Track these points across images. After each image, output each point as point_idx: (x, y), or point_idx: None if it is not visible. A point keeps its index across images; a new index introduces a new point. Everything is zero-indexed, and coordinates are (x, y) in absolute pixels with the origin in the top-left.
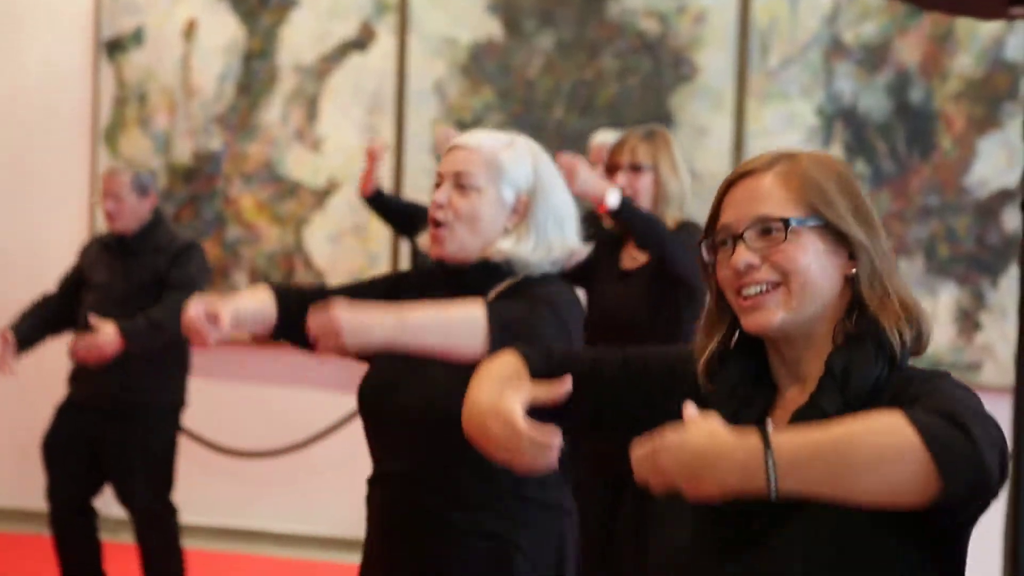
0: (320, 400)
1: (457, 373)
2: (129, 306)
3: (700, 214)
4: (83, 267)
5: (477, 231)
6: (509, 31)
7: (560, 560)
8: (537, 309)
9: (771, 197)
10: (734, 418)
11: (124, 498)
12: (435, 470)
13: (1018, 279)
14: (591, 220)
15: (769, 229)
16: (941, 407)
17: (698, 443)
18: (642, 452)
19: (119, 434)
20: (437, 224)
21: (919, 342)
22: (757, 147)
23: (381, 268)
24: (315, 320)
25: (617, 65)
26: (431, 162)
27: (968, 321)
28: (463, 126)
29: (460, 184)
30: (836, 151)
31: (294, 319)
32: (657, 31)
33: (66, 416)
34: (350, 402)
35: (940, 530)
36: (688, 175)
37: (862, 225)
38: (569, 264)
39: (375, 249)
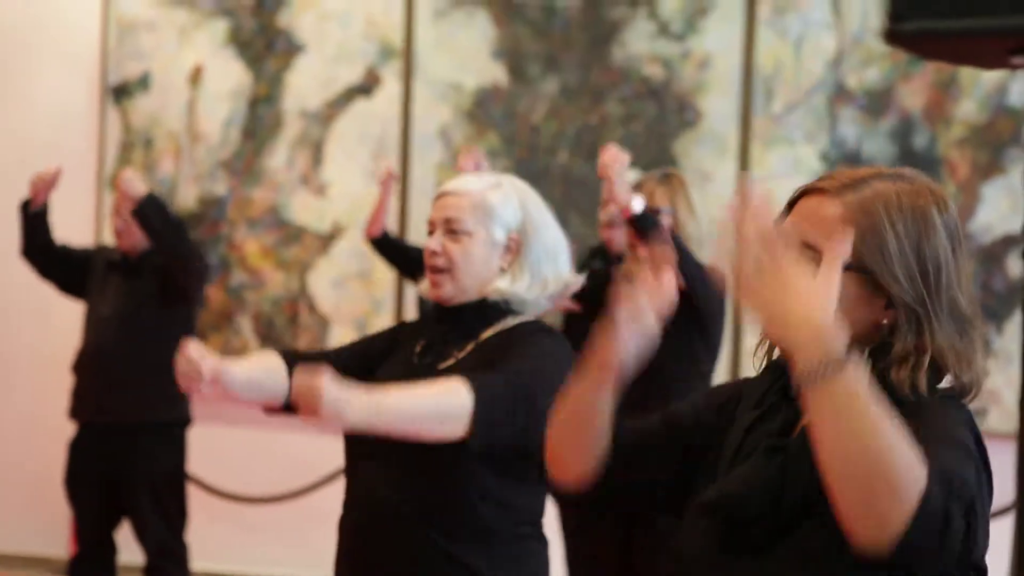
0: (325, 445)
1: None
2: (134, 326)
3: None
4: (91, 261)
5: (473, 274)
6: (514, 76)
7: None
8: (517, 382)
9: (826, 227)
10: (754, 427)
11: (139, 534)
12: (413, 496)
13: (1021, 325)
14: (598, 254)
15: (811, 259)
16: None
17: (804, 287)
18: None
19: (127, 456)
20: (434, 271)
21: (961, 393)
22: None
23: (386, 313)
24: (299, 383)
25: (621, 110)
26: None
27: None
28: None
29: (451, 230)
30: None
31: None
32: (661, 77)
33: (78, 449)
34: None
35: None
36: (705, 217)
37: (915, 279)
38: (564, 296)
39: (379, 294)
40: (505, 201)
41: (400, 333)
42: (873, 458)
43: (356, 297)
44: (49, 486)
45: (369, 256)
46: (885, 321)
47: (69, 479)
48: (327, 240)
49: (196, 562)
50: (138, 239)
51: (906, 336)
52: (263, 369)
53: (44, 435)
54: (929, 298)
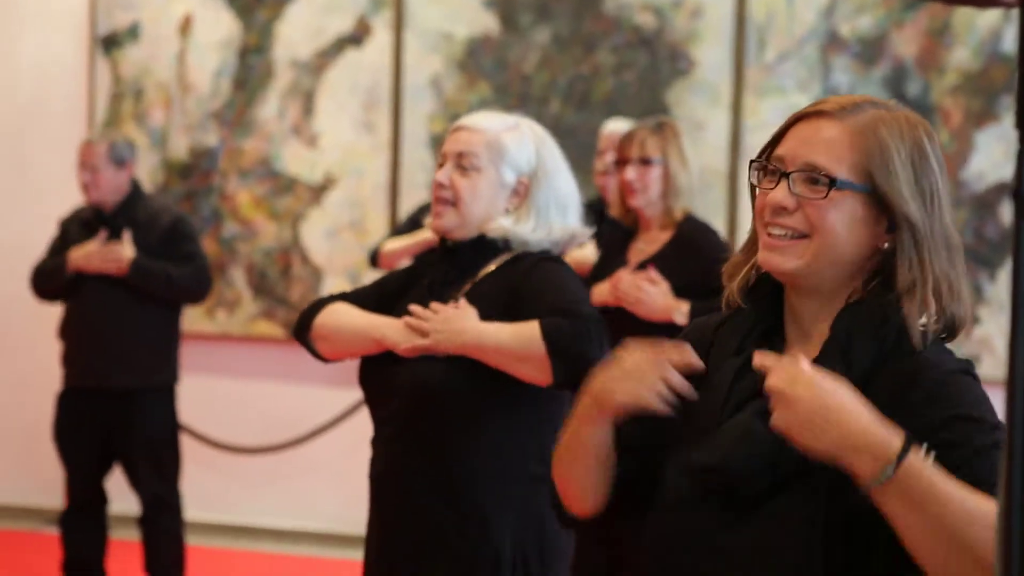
0: (317, 396)
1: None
2: (119, 290)
3: (698, 208)
4: (66, 242)
5: (477, 210)
6: (505, 26)
7: (542, 533)
8: (583, 318)
9: (830, 148)
10: (738, 376)
11: (133, 484)
12: (422, 453)
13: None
14: (594, 210)
15: (815, 179)
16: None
17: (840, 400)
18: (781, 374)
19: (119, 418)
20: (439, 201)
21: (950, 328)
22: (755, 141)
23: None
24: (419, 315)
25: (613, 60)
26: (428, 157)
27: None
28: None
29: (461, 164)
30: None
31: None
32: (654, 25)
33: (68, 402)
34: (347, 398)
35: None
36: (698, 166)
37: (918, 201)
38: (571, 247)
39: (372, 245)
40: (520, 144)
41: (413, 271)
42: (958, 539)
43: (348, 248)
44: (42, 437)
45: (361, 206)
46: (885, 245)
47: (59, 433)
48: (319, 191)
49: (189, 512)
50: (108, 192)
51: (909, 260)
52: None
53: (36, 387)
54: (929, 218)
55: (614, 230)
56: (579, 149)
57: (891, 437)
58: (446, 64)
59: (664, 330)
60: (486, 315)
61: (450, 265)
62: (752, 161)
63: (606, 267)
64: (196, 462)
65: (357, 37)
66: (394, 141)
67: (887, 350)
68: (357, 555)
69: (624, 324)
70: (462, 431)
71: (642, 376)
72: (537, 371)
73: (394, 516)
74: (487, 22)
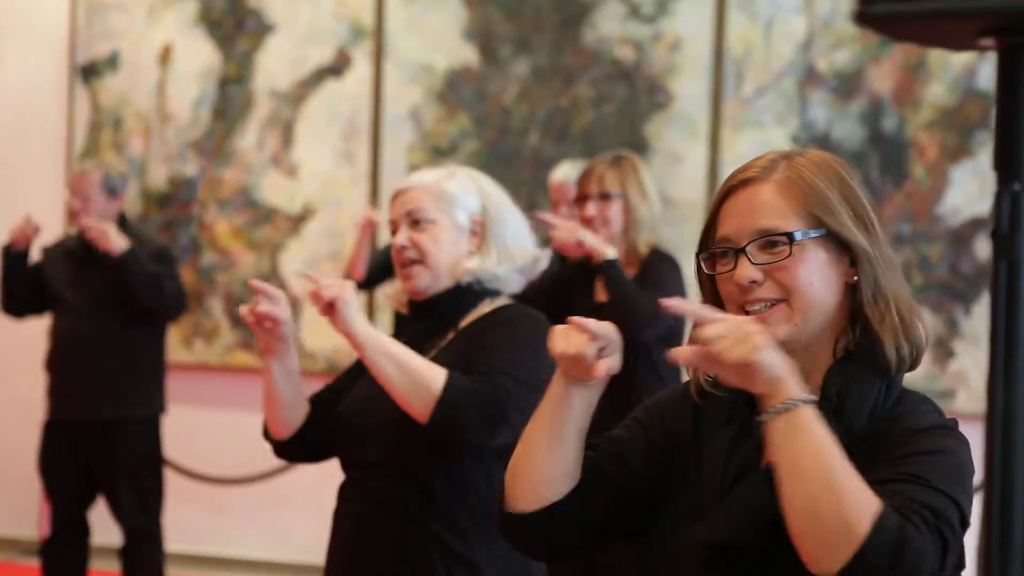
0: None
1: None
2: (103, 320)
3: (674, 241)
4: (46, 269)
5: (444, 259)
6: (485, 58)
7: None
8: (500, 381)
9: (772, 208)
10: (733, 447)
11: (116, 514)
12: (406, 461)
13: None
14: (556, 256)
15: (773, 243)
16: (927, 501)
17: (767, 359)
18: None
19: (103, 448)
20: (405, 264)
21: (914, 357)
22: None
23: (357, 295)
24: (321, 285)
25: (592, 92)
26: None
27: (942, 349)
28: (439, 152)
29: (415, 221)
30: None
31: (314, 433)
32: (632, 59)
33: (53, 432)
34: None
35: None
36: (657, 199)
37: (862, 230)
38: (535, 272)
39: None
40: (462, 187)
41: (394, 333)
42: (826, 493)
43: (327, 277)
44: (19, 468)
45: (340, 236)
46: (855, 278)
47: (44, 461)
48: (298, 221)
49: (168, 543)
50: (96, 221)
51: (874, 292)
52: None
53: (14, 417)
54: (873, 244)
55: (578, 269)
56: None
57: (799, 392)
58: (426, 95)
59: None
60: (456, 363)
61: (428, 321)
62: (698, 254)
63: (573, 306)
64: (173, 492)
65: (337, 68)
66: (373, 172)
67: (880, 396)
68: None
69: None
70: (448, 475)
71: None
72: (419, 407)
73: (373, 551)
74: (467, 54)
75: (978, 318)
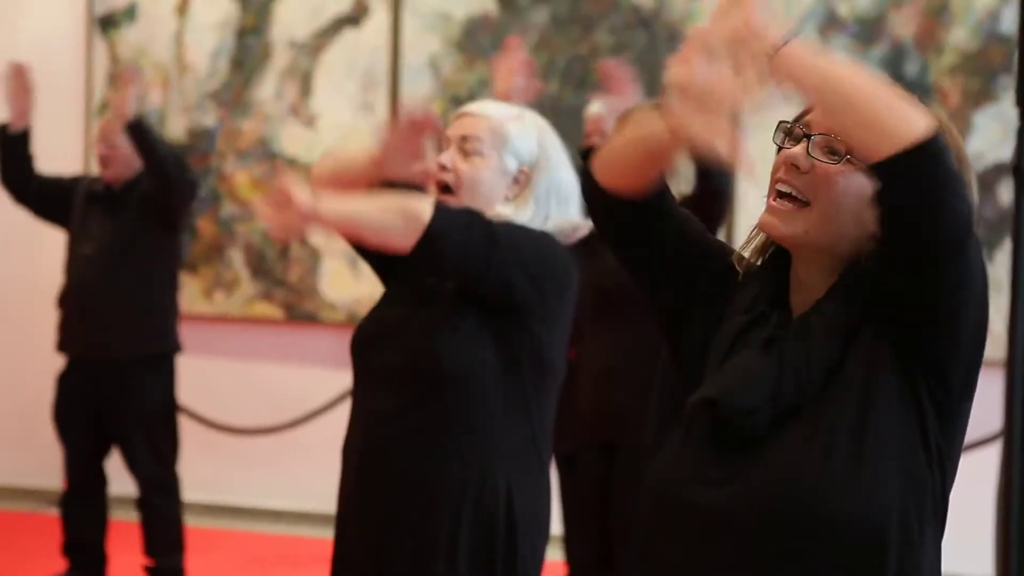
0: (316, 377)
1: (442, 327)
2: (122, 261)
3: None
4: (72, 197)
5: (478, 196)
6: (503, 6)
7: (545, 520)
8: (484, 222)
9: None
10: (745, 331)
11: (131, 466)
12: (415, 423)
13: (1011, 253)
14: None
15: (835, 149)
16: None
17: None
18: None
19: (117, 391)
20: (441, 188)
21: None
22: (752, 122)
23: None
24: (271, 192)
25: (612, 40)
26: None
27: None
28: (457, 102)
29: (464, 148)
30: None
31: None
32: (652, 5)
33: (67, 384)
34: (346, 379)
35: (940, 392)
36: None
37: None
38: (571, 239)
39: None
40: (523, 133)
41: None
42: (876, 90)
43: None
44: (40, 418)
45: None
46: None
47: (58, 413)
48: None
49: (188, 493)
50: (123, 168)
51: None
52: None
53: (34, 367)
54: None
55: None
56: (577, 129)
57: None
58: (444, 44)
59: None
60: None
61: None
62: (781, 122)
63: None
64: (194, 443)
65: (355, 18)
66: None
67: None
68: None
69: (618, 306)
70: (463, 402)
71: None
72: (402, 240)
73: (383, 489)
74: (485, 2)
75: (1000, 264)
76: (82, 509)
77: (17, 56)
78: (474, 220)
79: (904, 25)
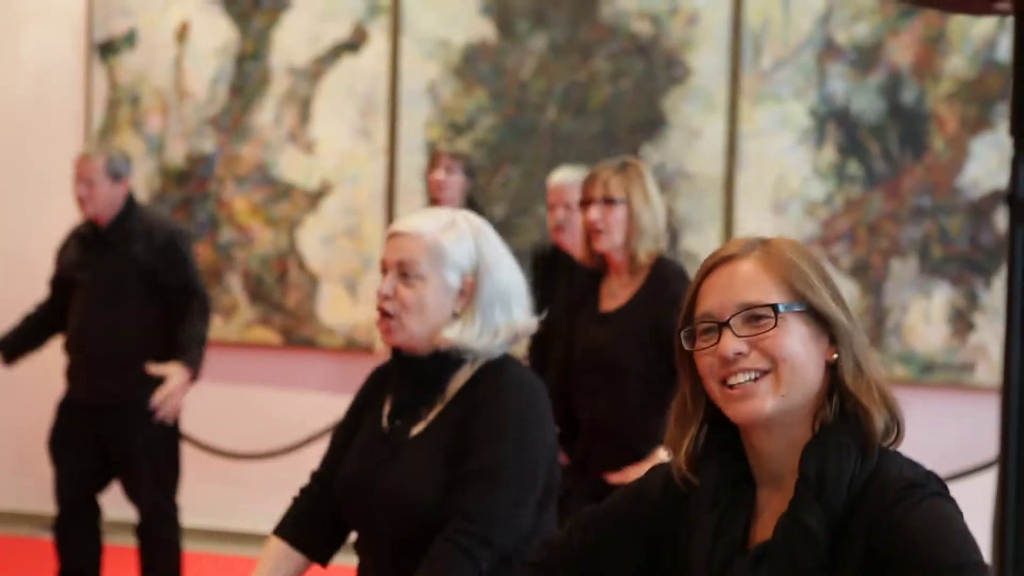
0: (314, 402)
1: (430, 466)
2: (117, 304)
3: (693, 216)
4: (64, 265)
5: (425, 319)
6: (502, 33)
7: None
8: (498, 491)
9: (755, 283)
10: (719, 533)
11: (131, 494)
12: (410, 559)
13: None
14: (548, 259)
15: (757, 316)
16: None
17: None
18: None
19: (121, 430)
20: (384, 315)
21: (896, 433)
22: (750, 148)
23: (374, 271)
24: None
25: (610, 67)
26: (424, 163)
27: (962, 322)
28: (456, 128)
29: (404, 273)
30: (829, 152)
31: (318, 536)
32: (650, 33)
33: (68, 412)
34: (344, 404)
35: None
36: (663, 206)
37: (841, 310)
38: (517, 343)
39: (368, 251)
40: (459, 242)
41: (365, 395)
42: None
43: (345, 254)
44: (40, 442)
45: (358, 212)
46: (835, 356)
47: (54, 438)
48: (315, 197)
49: (186, 518)
50: (103, 207)
51: (852, 370)
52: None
53: (35, 392)
54: (852, 324)
55: (580, 274)
56: (575, 157)
57: None
58: (443, 71)
59: (629, 378)
60: (451, 441)
61: (413, 382)
62: (679, 331)
63: (577, 310)
64: (192, 468)
65: (354, 44)
66: (391, 147)
67: (856, 469)
68: (352, 560)
69: (603, 375)
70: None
71: None
72: None
73: None
74: (484, 29)
75: (998, 291)
76: (75, 535)
77: (17, 82)
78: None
79: (902, 52)
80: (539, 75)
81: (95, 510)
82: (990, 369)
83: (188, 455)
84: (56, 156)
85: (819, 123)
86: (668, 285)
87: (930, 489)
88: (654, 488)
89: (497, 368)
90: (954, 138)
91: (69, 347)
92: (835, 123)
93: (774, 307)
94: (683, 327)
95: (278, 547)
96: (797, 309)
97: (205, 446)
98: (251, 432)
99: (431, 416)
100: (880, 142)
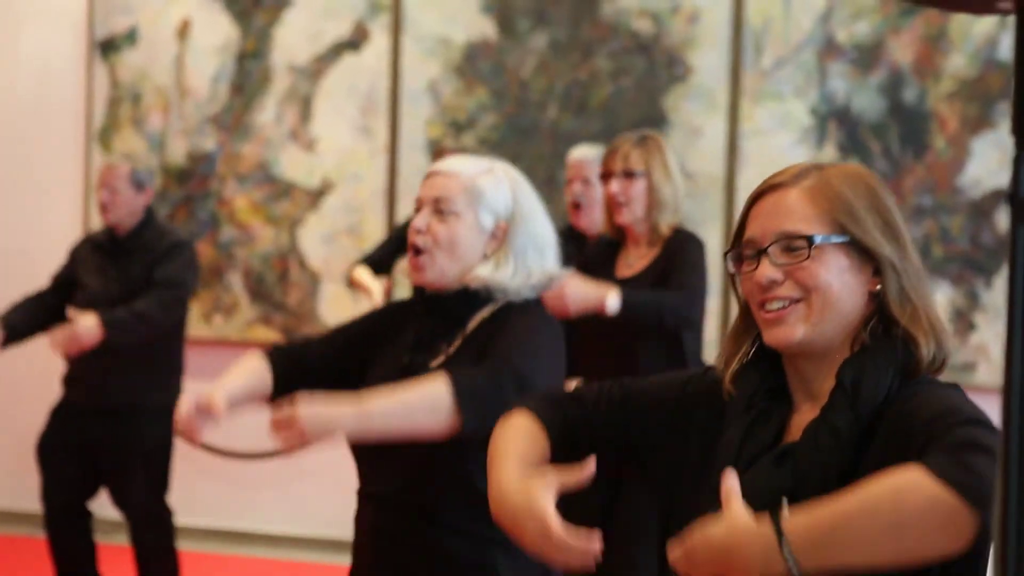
0: None
1: None
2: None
3: (694, 214)
4: (74, 266)
5: (456, 257)
6: (503, 31)
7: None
8: (502, 369)
9: (796, 212)
10: (749, 432)
11: (120, 501)
12: (418, 494)
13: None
14: (569, 235)
15: (794, 246)
16: (956, 439)
17: (721, 539)
18: (677, 553)
19: (114, 436)
20: (417, 251)
21: (942, 360)
22: (751, 147)
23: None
24: (277, 418)
25: (611, 65)
26: (426, 162)
27: (962, 321)
28: (457, 126)
29: (439, 210)
30: (829, 151)
31: (290, 383)
32: (651, 31)
33: (61, 418)
34: None
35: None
36: (681, 179)
37: (890, 242)
38: (550, 289)
39: (369, 249)
40: (496, 187)
41: (388, 319)
42: (894, 527)
43: (346, 252)
44: None
45: (359, 211)
46: (877, 288)
47: (43, 442)
48: (317, 195)
49: (182, 518)
50: (124, 214)
51: (899, 299)
52: (247, 380)
53: (33, 392)
54: (902, 256)
55: (599, 244)
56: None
57: (764, 528)
58: (444, 69)
59: (643, 345)
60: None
61: (436, 318)
62: (725, 253)
63: (591, 275)
64: (191, 467)
65: (355, 42)
66: (391, 146)
67: (894, 386)
68: (342, 560)
69: (609, 331)
70: (460, 482)
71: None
72: (445, 421)
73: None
74: (485, 27)
75: (999, 290)
76: (67, 540)
77: (18, 79)
78: (496, 380)
79: (902, 52)
80: (540, 73)
81: (85, 515)
82: (991, 369)
83: (187, 454)
84: (57, 154)
85: (820, 122)
86: (683, 247)
87: (969, 415)
88: (700, 383)
89: (521, 308)
90: (955, 137)
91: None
92: (836, 122)
93: (809, 238)
94: (730, 250)
95: (256, 364)
96: (836, 241)
97: (206, 445)
98: (252, 431)
99: (451, 351)
100: (881, 141)
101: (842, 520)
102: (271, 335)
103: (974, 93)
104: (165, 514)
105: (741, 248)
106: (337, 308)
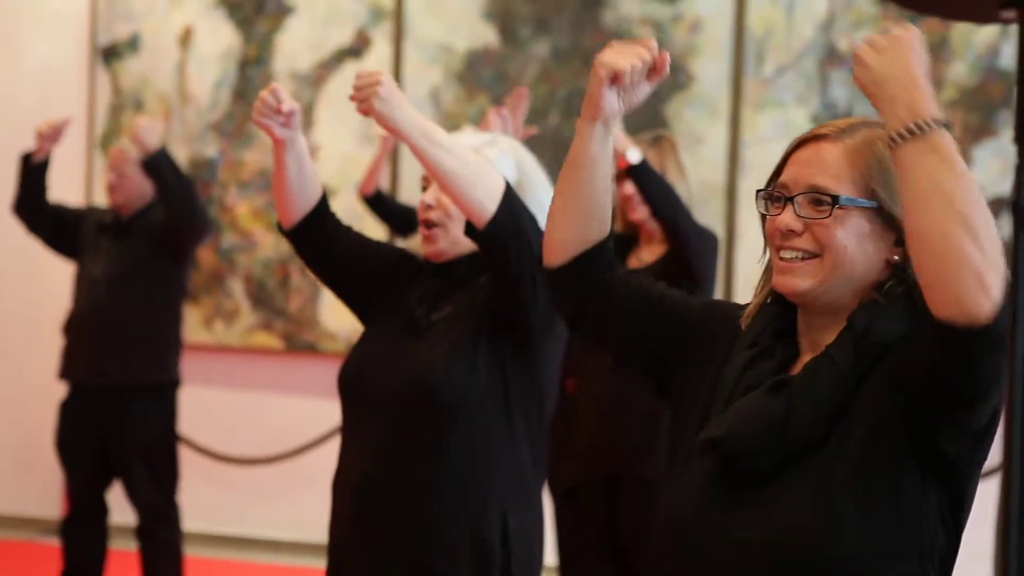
0: (315, 407)
1: (437, 357)
2: (125, 289)
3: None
4: (79, 231)
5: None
6: (505, 39)
7: (539, 550)
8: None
9: (831, 169)
10: (751, 365)
11: (130, 495)
12: (411, 456)
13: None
14: None
15: (819, 200)
16: None
17: (905, 71)
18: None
19: (118, 420)
20: (429, 225)
21: None
22: (752, 155)
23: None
24: (363, 73)
25: None
26: None
27: None
28: None
29: None
30: None
31: (322, 229)
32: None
33: (69, 411)
34: None
35: (951, 462)
36: (694, 179)
37: None
38: None
39: None
40: (501, 158)
41: (403, 266)
42: (961, 228)
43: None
44: (40, 447)
45: (360, 218)
46: (896, 258)
47: (60, 441)
48: None
49: (188, 523)
50: (132, 196)
51: None
52: (313, 167)
53: (35, 396)
54: None
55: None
56: None
57: (933, 110)
58: (445, 76)
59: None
60: (470, 323)
61: (445, 280)
62: (758, 191)
63: None
64: (193, 473)
65: (357, 49)
66: (393, 153)
67: (898, 341)
68: (316, 562)
69: None
70: (459, 432)
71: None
72: (484, 202)
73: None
74: (486, 35)
75: None
76: (82, 536)
77: (20, 86)
78: (535, 229)
79: None
80: (541, 81)
81: (103, 511)
82: None
83: (190, 460)
84: (59, 161)
85: None
86: (691, 242)
87: None
88: (722, 311)
89: None
90: (957, 145)
91: (70, 327)
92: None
93: (835, 197)
94: (764, 188)
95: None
96: (863, 205)
97: (207, 451)
98: (253, 437)
99: (459, 303)
100: None
101: (965, 186)
102: (272, 342)
103: (975, 101)
104: (172, 512)
105: (773, 189)
106: (338, 315)
